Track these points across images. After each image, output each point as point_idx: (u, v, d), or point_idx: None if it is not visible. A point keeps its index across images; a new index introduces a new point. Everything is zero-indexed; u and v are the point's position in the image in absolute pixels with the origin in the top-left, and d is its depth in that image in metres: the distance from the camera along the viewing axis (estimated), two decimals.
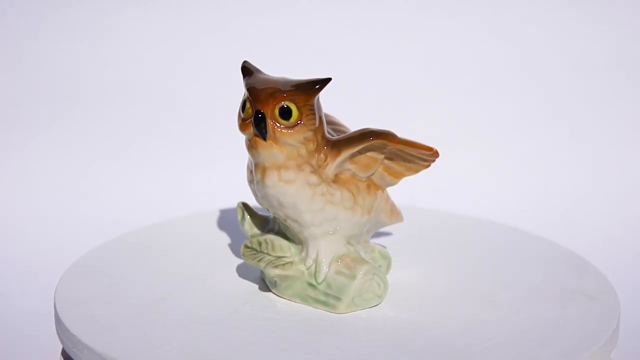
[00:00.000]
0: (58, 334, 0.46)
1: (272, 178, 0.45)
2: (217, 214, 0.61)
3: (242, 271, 0.52)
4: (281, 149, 0.45)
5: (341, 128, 0.50)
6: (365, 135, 0.45)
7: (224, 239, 0.57)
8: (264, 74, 0.47)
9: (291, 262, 0.48)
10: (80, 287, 0.49)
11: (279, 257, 0.48)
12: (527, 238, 0.58)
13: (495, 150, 0.81)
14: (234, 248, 0.55)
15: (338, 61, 0.81)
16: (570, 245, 0.57)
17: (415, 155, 0.46)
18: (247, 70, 0.47)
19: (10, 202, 0.76)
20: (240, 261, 0.53)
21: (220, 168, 0.79)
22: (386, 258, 0.51)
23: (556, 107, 0.82)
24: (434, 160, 0.46)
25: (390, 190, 0.50)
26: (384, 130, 0.45)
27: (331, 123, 0.50)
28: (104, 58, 0.83)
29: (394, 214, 0.50)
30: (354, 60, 0.83)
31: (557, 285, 0.50)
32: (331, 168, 0.46)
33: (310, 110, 0.45)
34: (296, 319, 0.46)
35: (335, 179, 0.46)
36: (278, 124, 0.45)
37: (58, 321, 0.45)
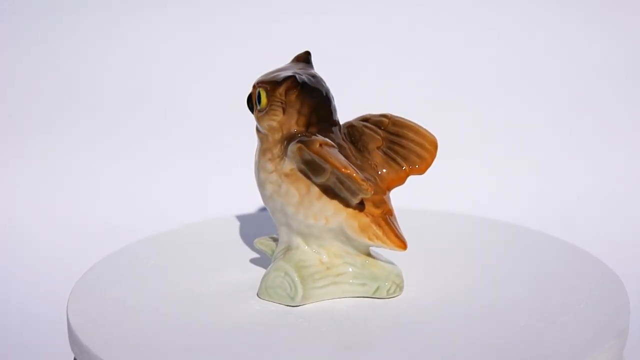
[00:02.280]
0: (70, 344, 0.46)
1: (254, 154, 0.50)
2: (228, 221, 0.61)
3: (256, 276, 0.52)
4: (259, 132, 0.49)
5: (401, 141, 0.48)
6: (297, 139, 0.46)
7: (238, 245, 0.57)
8: (299, 66, 0.49)
9: (273, 242, 0.51)
10: (93, 298, 0.49)
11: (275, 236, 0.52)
12: (535, 236, 0.58)
13: (497, 152, 0.81)
14: (247, 254, 0.55)
15: (341, 65, 0.81)
16: (578, 244, 0.57)
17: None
18: (295, 58, 0.50)
19: (23, 208, 0.76)
20: (255, 268, 0.53)
21: (235, 173, 0.79)
22: (378, 281, 0.48)
23: (557, 109, 0.82)
24: (361, 186, 0.45)
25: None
26: (310, 139, 0.46)
27: (395, 134, 0.49)
28: (114, 61, 0.84)
29: (368, 234, 0.47)
30: (360, 65, 0.83)
31: (566, 283, 0.50)
32: (285, 161, 0.47)
33: (276, 101, 0.47)
34: (313, 325, 0.46)
35: (290, 174, 0.47)
36: (256, 107, 0.48)
37: (71, 332, 0.46)
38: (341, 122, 0.50)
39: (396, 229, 0.47)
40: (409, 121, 0.49)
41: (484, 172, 0.79)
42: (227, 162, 0.80)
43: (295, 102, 0.47)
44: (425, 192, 0.75)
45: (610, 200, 0.75)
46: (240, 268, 0.53)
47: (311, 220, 0.47)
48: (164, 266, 0.54)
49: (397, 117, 0.49)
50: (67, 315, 0.47)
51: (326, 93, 0.48)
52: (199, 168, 0.81)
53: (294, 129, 0.47)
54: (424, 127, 0.49)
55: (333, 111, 0.49)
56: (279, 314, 0.47)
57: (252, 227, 0.60)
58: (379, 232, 0.47)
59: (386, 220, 0.47)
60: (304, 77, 0.48)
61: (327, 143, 0.46)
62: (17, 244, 0.72)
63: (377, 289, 0.48)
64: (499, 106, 0.83)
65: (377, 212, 0.47)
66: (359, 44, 0.83)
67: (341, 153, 0.47)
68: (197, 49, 0.84)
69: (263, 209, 0.64)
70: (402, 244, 0.47)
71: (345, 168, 0.44)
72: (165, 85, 0.83)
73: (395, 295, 0.48)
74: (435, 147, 0.48)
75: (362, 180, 0.44)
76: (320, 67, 0.50)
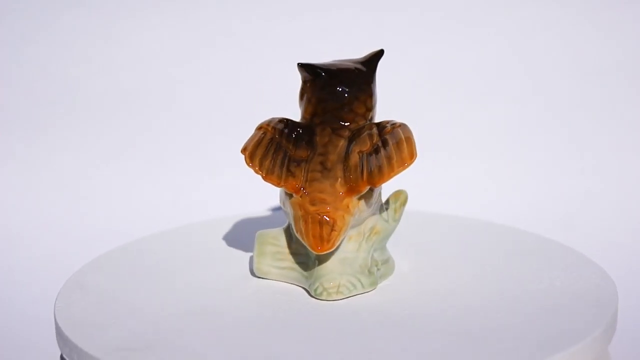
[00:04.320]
0: (58, 342, 0.46)
1: None
2: (224, 221, 0.61)
3: (251, 279, 0.52)
4: None
5: (380, 150, 0.47)
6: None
7: (234, 245, 0.57)
8: (352, 60, 0.51)
9: None
10: (81, 297, 0.49)
11: None
12: (523, 235, 0.58)
13: (499, 155, 0.81)
14: (241, 257, 0.55)
15: None
16: (576, 246, 0.57)
17: None
18: (369, 53, 0.52)
19: (13, 208, 0.76)
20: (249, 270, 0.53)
21: (228, 175, 0.79)
22: (312, 278, 0.49)
23: (556, 110, 0.82)
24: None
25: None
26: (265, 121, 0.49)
27: (383, 143, 0.48)
28: (112, 62, 0.84)
29: (296, 227, 0.47)
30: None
31: (556, 281, 0.50)
32: None
33: (301, 87, 0.51)
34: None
35: None
36: None
37: (58, 330, 0.46)
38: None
39: (322, 231, 0.46)
40: (406, 134, 0.47)
41: (481, 173, 0.79)
42: (223, 163, 0.80)
43: (309, 90, 0.50)
44: (424, 192, 0.74)
45: (609, 202, 0.75)
46: (236, 267, 0.53)
47: (281, 202, 0.50)
48: (153, 266, 0.54)
49: (403, 128, 0.48)
50: (55, 313, 0.47)
51: (342, 89, 0.49)
52: (195, 169, 0.81)
53: (303, 115, 0.50)
54: (414, 144, 0.47)
55: (347, 108, 0.49)
56: (276, 311, 0.47)
57: (244, 228, 0.60)
58: (302, 228, 0.46)
59: (315, 220, 0.46)
60: (321, 69, 0.49)
61: (266, 128, 0.49)
62: (14, 245, 0.72)
63: (310, 285, 0.49)
64: (497, 107, 0.82)
65: (310, 209, 0.46)
66: (358, 44, 0.83)
67: (325, 149, 0.48)
68: (195, 49, 0.84)
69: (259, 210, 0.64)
70: (316, 247, 0.46)
71: (244, 150, 0.48)
72: (163, 86, 0.83)
73: (322, 297, 0.48)
74: (402, 166, 0.46)
75: (254, 167, 0.47)
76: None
